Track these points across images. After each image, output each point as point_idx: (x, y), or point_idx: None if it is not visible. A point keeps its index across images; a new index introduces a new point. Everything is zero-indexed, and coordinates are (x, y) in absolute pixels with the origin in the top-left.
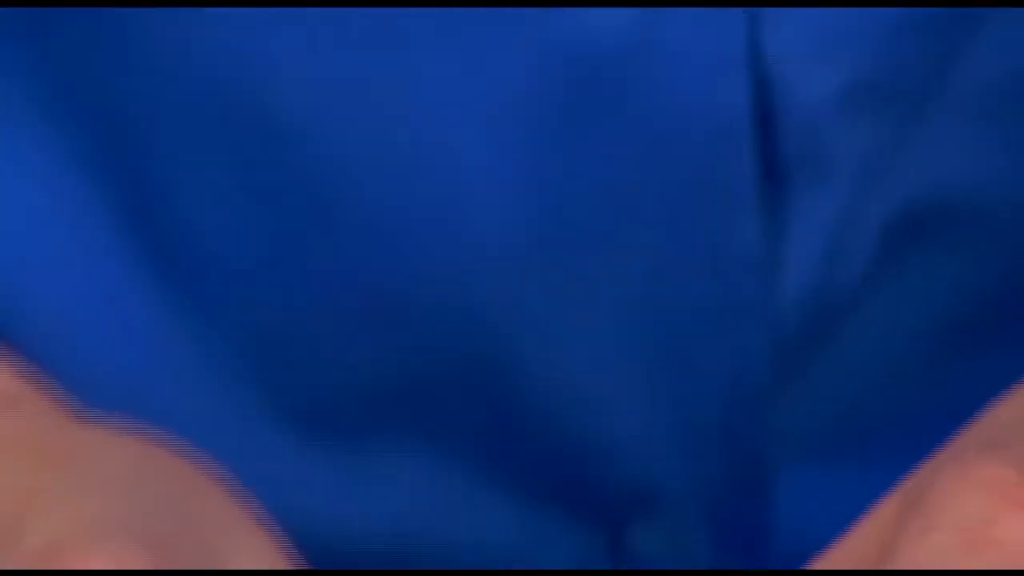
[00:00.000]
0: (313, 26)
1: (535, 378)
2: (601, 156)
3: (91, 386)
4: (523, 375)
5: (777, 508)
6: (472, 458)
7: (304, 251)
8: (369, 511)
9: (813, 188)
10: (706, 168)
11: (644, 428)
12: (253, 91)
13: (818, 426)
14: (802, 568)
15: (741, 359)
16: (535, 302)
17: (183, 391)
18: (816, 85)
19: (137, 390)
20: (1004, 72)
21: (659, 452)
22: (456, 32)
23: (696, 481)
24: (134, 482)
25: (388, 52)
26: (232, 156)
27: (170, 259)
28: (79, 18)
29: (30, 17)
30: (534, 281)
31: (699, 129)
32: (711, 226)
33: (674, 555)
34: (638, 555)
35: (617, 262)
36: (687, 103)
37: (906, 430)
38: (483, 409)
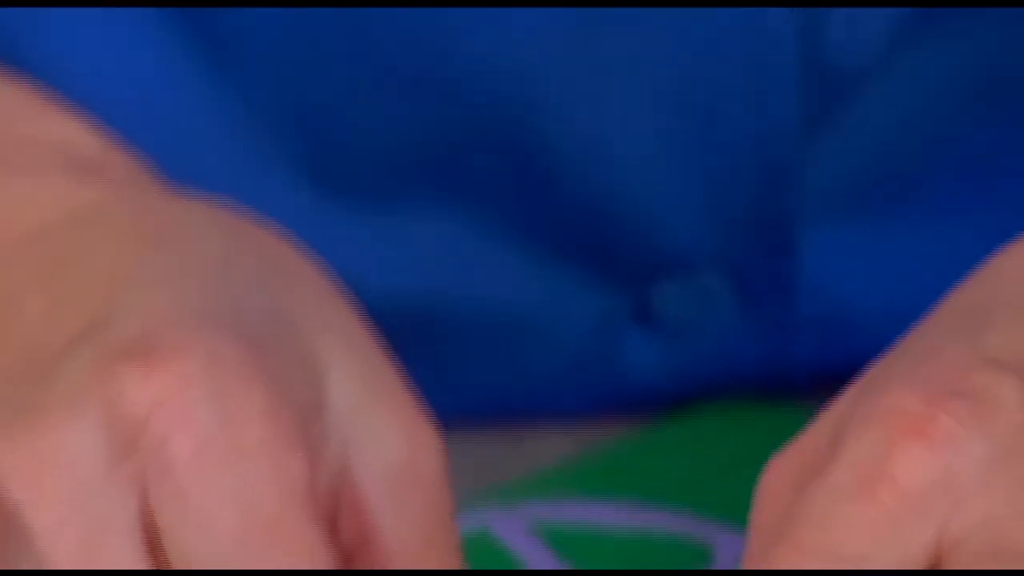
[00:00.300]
0: None
1: (565, 139)
2: None
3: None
4: (553, 136)
5: (802, 268)
6: (499, 218)
7: (338, 12)
8: (397, 271)
9: None
10: None
11: (673, 190)
12: None
13: (845, 186)
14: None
15: (771, 122)
16: (567, 63)
17: (216, 156)
18: None
19: (172, 156)
20: None
21: (687, 214)
22: None
23: (723, 242)
24: (228, 265)
25: None
26: None
27: (209, 25)
28: None
29: None
30: (566, 41)
31: None
32: None
33: (698, 316)
34: (662, 316)
35: (650, 26)
36: None
37: (930, 191)
38: (512, 170)
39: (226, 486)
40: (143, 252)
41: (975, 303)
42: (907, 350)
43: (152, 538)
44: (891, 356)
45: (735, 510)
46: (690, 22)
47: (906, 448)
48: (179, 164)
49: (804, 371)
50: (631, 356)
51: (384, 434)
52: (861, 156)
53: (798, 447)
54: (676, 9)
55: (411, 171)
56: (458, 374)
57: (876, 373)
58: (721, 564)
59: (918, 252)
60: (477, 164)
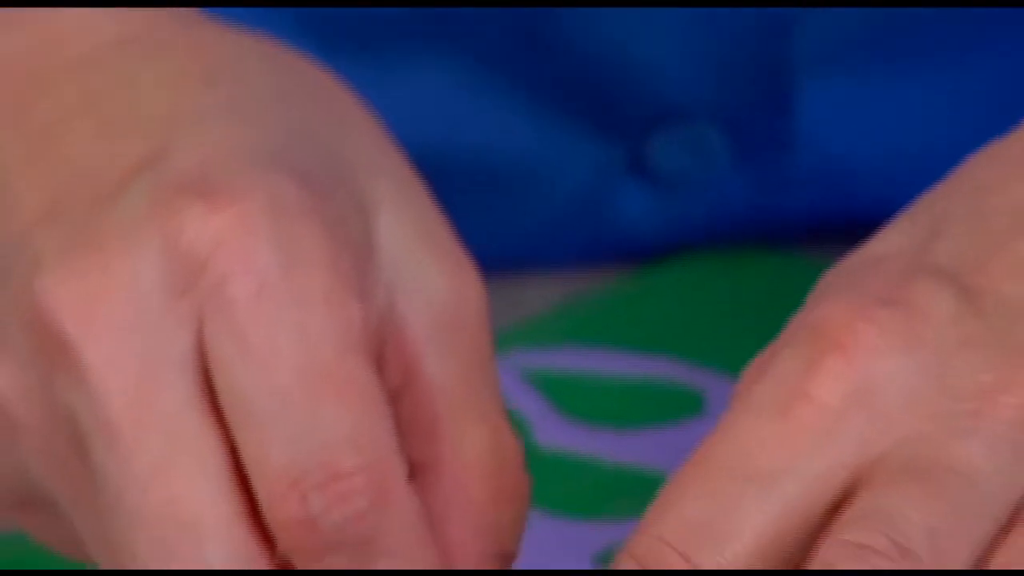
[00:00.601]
0: None
1: None
2: None
3: None
4: None
5: (799, 121)
6: (496, 70)
7: None
8: (393, 122)
9: None
10: None
11: (670, 41)
12: None
13: (843, 40)
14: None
15: None
16: None
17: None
18: None
19: None
20: None
21: (684, 65)
22: None
23: (720, 93)
24: (284, 101)
25: None
26: None
27: None
28: None
29: None
30: None
31: None
32: None
33: (694, 168)
34: (657, 167)
35: None
36: None
37: (928, 45)
38: (508, 21)
39: (285, 328)
40: (198, 84)
41: (932, 212)
42: (857, 259)
43: (205, 378)
44: (842, 263)
45: (727, 356)
46: None
47: (824, 363)
48: None
49: (799, 223)
50: (626, 207)
51: (431, 277)
52: (860, 9)
53: (768, 351)
54: None
55: (407, 22)
56: (453, 224)
57: (826, 281)
58: (712, 410)
59: (914, 106)
60: (473, 16)
